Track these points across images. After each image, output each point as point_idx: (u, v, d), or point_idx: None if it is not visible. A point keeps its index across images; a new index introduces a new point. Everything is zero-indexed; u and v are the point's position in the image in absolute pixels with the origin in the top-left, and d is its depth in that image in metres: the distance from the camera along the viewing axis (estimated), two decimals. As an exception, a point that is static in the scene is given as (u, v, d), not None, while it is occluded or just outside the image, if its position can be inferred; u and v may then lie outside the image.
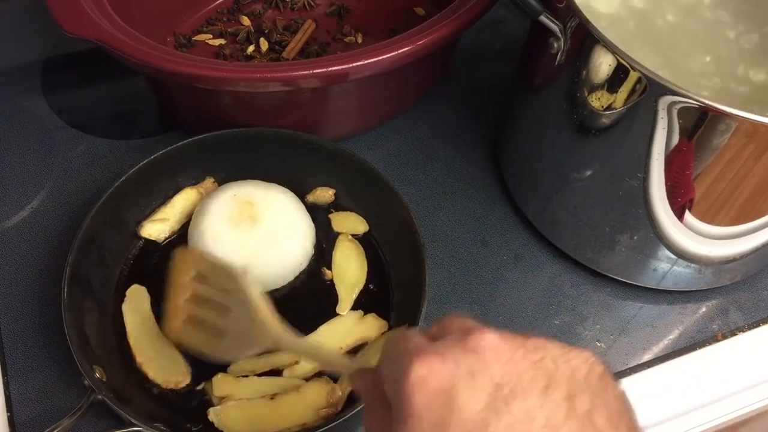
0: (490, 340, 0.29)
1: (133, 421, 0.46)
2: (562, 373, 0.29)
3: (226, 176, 0.61)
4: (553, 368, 0.29)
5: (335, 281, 0.57)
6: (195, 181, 0.61)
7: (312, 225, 0.59)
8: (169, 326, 0.48)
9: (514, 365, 0.29)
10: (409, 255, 0.55)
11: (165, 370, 0.51)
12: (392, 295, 0.57)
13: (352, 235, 0.59)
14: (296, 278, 0.57)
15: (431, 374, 0.28)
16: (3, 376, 0.54)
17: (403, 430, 0.28)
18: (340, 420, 0.47)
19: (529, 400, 0.28)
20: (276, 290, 0.57)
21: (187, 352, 0.50)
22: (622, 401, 0.30)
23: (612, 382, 0.30)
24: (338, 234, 0.60)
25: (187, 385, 0.51)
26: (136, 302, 0.54)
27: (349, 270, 0.57)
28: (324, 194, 0.61)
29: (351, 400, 0.50)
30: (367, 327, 0.54)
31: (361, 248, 0.58)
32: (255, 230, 0.56)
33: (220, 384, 0.51)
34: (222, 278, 0.46)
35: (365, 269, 0.58)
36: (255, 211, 0.56)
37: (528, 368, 0.29)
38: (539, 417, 0.28)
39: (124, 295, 0.55)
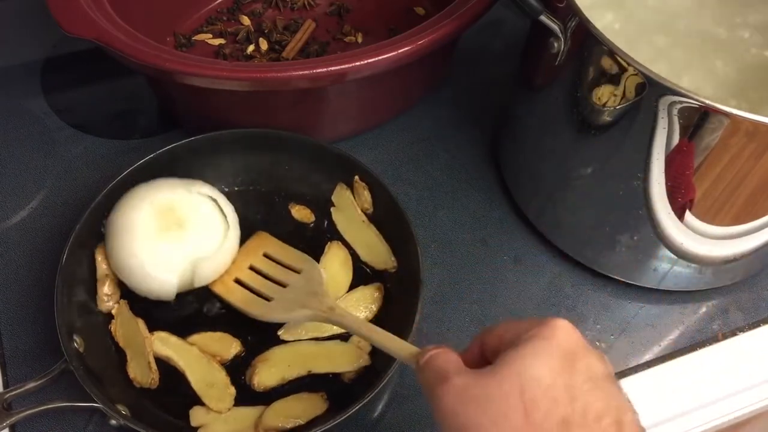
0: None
1: (93, 397, 0.46)
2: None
3: (224, 176, 0.61)
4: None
5: None
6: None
7: (234, 211, 0.58)
8: (220, 281, 0.55)
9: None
10: (402, 248, 0.56)
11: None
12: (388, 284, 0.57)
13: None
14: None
15: (575, 331, 0.37)
16: (3, 376, 0.54)
17: (538, 342, 0.35)
18: (339, 420, 0.47)
19: (624, 397, 0.36)
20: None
21: (229, 306, 0.55)
22: None
23: None
24: (331, 239, 0.59)
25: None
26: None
27: (335, 277, 0.57)
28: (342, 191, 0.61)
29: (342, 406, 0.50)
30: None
31: (350, 256, 0.58)
32: (187, 233, 0.54)
33: (196, 414, 0.51)
34: (293, 260, 0.55)
35: (350, 277, 0.57)
36: (179, 215, 0.55)
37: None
38: None
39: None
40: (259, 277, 0.55)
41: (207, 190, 0.57)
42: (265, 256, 0.56)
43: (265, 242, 0.57)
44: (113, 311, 0.54)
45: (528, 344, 0.36)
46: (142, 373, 0.51)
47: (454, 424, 0.35)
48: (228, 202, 0.58)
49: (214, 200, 0.57)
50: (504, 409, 0.34)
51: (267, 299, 0.54)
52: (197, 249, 0.54)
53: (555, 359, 0.35)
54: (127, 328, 0.53)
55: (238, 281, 0.55)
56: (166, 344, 0.53)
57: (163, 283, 0.54)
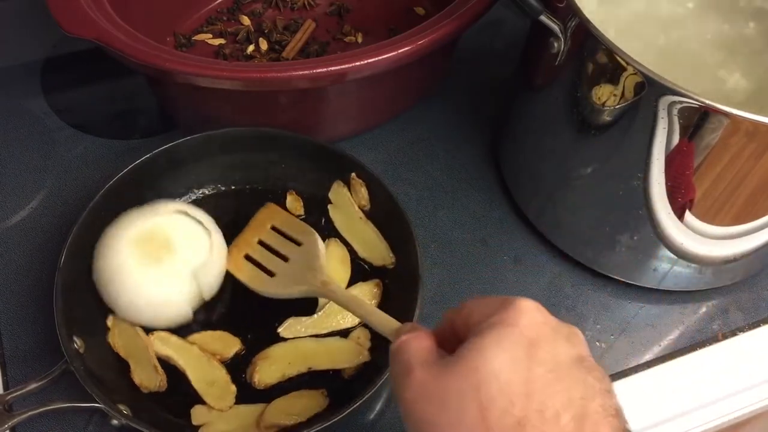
0: (583, 336, 0.38)
1: (95, 397, 0.46)
2: (615, 397, 0.35)
3: (222, 175, 0.61)
4: (610, 387, 0.36)
5: None
6: (191, 181, 0.61)
7: (206, 214, 0.57)
8: (230, 258, 0.56)
9: (592, 359, 0.36)
10: (401, 244, 0.56)
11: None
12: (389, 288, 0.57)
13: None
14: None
15: (542, 312, 0.36)
16: (3, 377, 0.54)
17: (501, 329, 0.34)
18: (340, 417, 0.47)
19: (597, 384, 0.35)
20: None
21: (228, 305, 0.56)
22: None
23: None
24: (329, 236, 0.59)
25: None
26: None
27: (334, 274, 0.57)
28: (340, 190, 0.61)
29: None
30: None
31: (348, 253, 0.58)
32: (177, 253, 0.53)
33: (197, 413, 0.50)
34: (297, 232, 0.56)
35: (348, 274, 0.58)
36: (161, 240, 0.53)
37: (599, 369, 0.36)
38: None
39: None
40: (266, 252, 0.56)
41: (173, 206, 0.56)
42: (273, 228, 0.57)
43: (274, 214, 0.58)
44: (108, 323, 0.53)
45: (490, 333, 0.34)
46: (148, 378, 0.51)
47: (413, 419, 0.35)
48: (197, 208, 0.57)
49: (185, 212, 0.56)
50: (460, 408, 0.33)
51: (271, 274, 0.54)
52: (192, 264, 0.54)
53: (517, 349, 0.34)
54: (125, 337, 0.52)
55: (247, 257, 0.56)
56: (166, 344, 0.53)
57: (177, 309, 0.53)
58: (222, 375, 0.52)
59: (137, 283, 0.52)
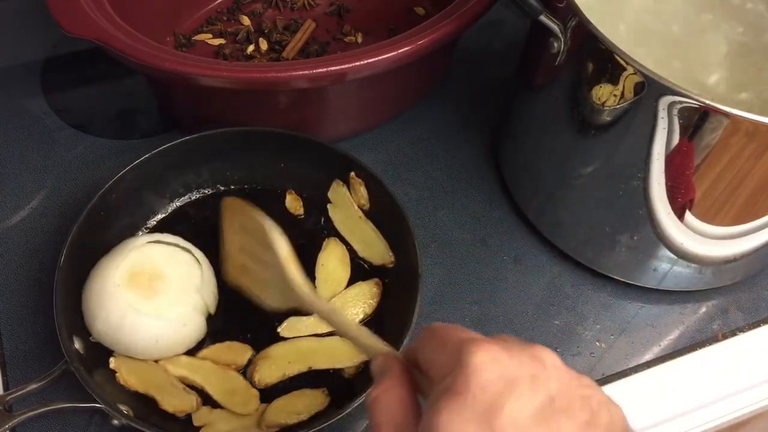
0: (554, 359, 0.32)
1: (95, 397, 0.46)
2: (603, 416, 0.32)
3: (220, 175, 0.61)
4: (597, 409, 0.32)
5: (317, 281, 0.57)
6: (190, 181, 0.61)
7: (180, 238, 0.56)
8: (226, 270, 0.54)
9: (568, 389, 0.32)
10: (400, 243, 0.56)
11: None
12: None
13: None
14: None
15: (496, 362, 0.31)
16: (3, 377, 0.54)
17: (451, 401, 0.30)
18: (341, 415, 0.47)
19: (571, 423, 0.31)
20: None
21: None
22: None
23: None
24: (328, 235, 0.60)
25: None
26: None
27: (334, 273, 0.57)
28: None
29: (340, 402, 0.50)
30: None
31: (347, 253, 0.59)
32: (169, 278, 0.52)
33: (198, 414, 0.50)
34: (258, 232, 0.48)
35: (348, 273, 0.58)
36: (150, 271, 0.52)
37: (578, 398, 0.32)
38: None
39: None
40: (254, 261, 0.50)
41: (143, 239, 0.55)
42: (241, 227, 0.52)
43: (237, 212, 0.52)
44: (111, 365, 0.51)
45: (441, 409, 0.31)
46: (181, 402, 0.50)
47: None
48: (166, 234, 0.56)
49: (156, 241, 0.54)
50: None
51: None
52: (188, 281, 0.53)
53: (470, 423, 0.30)
54: (136, 372, 0.51)
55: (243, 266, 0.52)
56: (177, 365, 0.52)
57: (193, 326, 0.53)
58: (241, 382, 0.52)
59: (148, 322, 0.51)
